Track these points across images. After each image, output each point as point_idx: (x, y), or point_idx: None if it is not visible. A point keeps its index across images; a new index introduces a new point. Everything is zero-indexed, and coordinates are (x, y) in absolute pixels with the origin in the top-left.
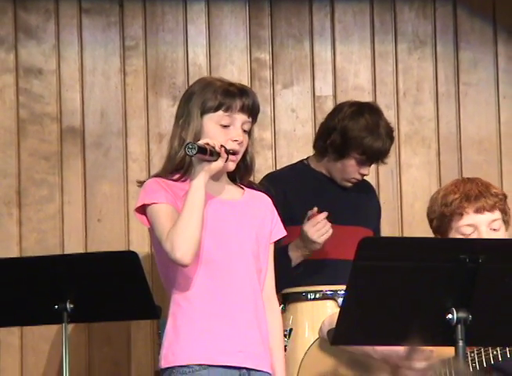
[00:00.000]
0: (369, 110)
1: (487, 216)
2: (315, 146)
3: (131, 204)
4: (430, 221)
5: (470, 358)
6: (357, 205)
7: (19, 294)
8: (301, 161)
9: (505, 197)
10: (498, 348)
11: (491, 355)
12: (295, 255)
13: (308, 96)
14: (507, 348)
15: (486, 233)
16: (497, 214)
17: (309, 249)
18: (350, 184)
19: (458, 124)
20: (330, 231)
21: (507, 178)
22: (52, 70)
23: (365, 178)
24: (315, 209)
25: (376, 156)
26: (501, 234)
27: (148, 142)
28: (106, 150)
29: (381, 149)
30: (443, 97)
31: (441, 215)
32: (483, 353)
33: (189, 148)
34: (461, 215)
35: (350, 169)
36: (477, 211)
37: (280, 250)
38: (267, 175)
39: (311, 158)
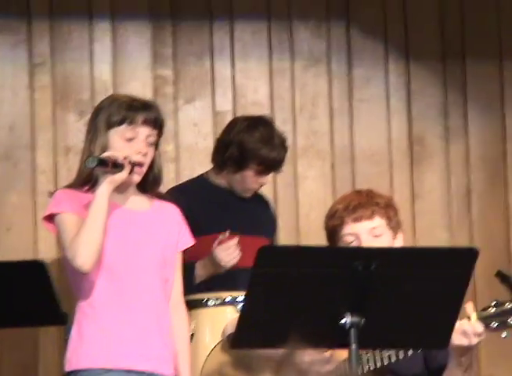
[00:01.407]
0: (262, 123)
1: (365, 224)
2: (213, 161)
3: (39, 215)
4: (326, 233)
5: (366, 358)
6: (256, 216)
7: None
8: (201, 175)
9: (388, 204)
10: (391, 350)
11: (386, 355)
12: (200, 274)
13: (209, 111)
14: (399, 350)
15: (367, 241)
16: (377, 221)
17: (216, 271)
18: (249, 194)
19: (351, 139)
20: (239, 256)
21: (398, 190)
22: None
23: (262, 189)
24: (227, 233)
25: (273, 165)
26: (384, 240)
27: (55, 154)
28: (14, 162)
29: (276, 158)
30: (337, 112)
31: (329, 226)
32: (378, 354)
33: (88, 161)
34: (341, 225)
35: (249, 180)
36: (355, 220)
37: (187, 266)
38: (170, 189)
39: (209, 172)
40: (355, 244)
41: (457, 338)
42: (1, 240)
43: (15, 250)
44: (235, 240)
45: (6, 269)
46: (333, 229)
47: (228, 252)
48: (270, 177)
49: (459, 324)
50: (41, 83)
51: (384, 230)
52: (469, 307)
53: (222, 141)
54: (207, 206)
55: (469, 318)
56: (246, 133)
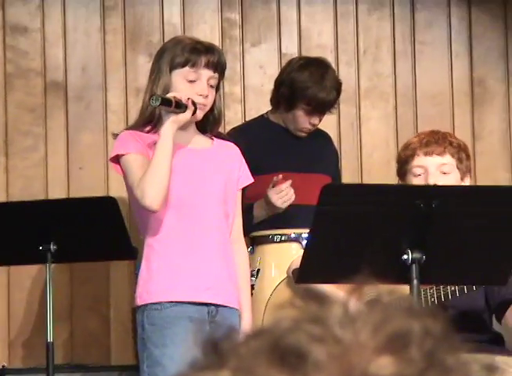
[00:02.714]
0: (315, 64)
1: (436, 159)
2: (271, 100)
3: (110, 154)
4: (397, 165)
5: (429, 294)
6: (314, 153)
7: (7, 236)
8: (261, 115)
9: (461, 147)
10: (453, 286)
11: (449, 290)
12: (259, 214)
13: (275, 54)
14: (461, 286)
15: (434, 175)
16: (447, 158)
17: (272, 211)
18: (304, 134)
19: (414, 80)
20: (293, 198)
21: (459, 131)
22: (36, 29)
23: (327, 129)
24: (280, 176)
25: (322, 106)
26: (452, 178)
27: (126, 95)
28: (87, 102)
29: (325, 99)
30: (400, 55)
31: (401, 158)
32: (441, 290)
33: (152, 99)
34: (413, 156)
35: (300, 119)
36: (427, 153)
37: (246, 207)
38: (230, 130)
39: (270, 111)
40: (422, 176)
41: None
42: (74, 179)
43: (87, 188)
44: (288, 183)
45: (79, 205)
46: (404, 160)
47: (281, 195)
48: (334, 119)
49: None
50: (112, 26)
51: (453, 169)
52: None
53: (277, 80)
54: (265, 145)
55: None
56: (298, 72)
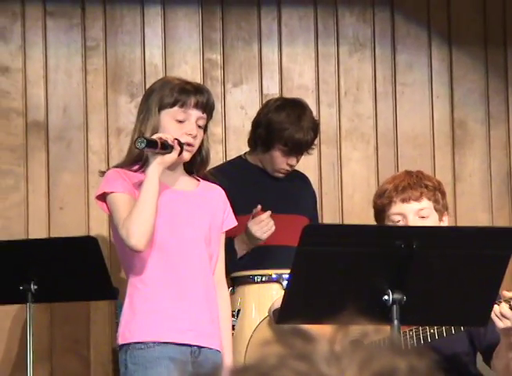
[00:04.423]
0: (292, 105)
1: (413, 205)
2: (248, 141)
3: (91, 193)
4: (374, 212)
5: (408, 336)
6: (292, 195)
7: None
8: (239, 156)
9: (436, 187)
10: (435, 327)
11: (428, 333)
12: (240, 248)
13: (256, 94)
14: (443, 327)
15: (413, 221)
16: (425, 203)
17: (253, 244)
18: (281, 175)
19: (395, 122)
20: (273, 228)
21: (440, 172)
22: (18, 69)
23: (307, 170)
24: (259, 207)
25: (299, 147)
26: (431, 221)
27: (107, 135)
28: (68, 142)
29: (302, 140)
30: (381, 96)
31: (377, 205)
32: (421, 332)
33: (138, 142)
34: (390, 204)
35: (277, 160)
36: (404, 200)
37: (227, 242)
38: (208, 171)
39: (247, 153)
40: (401, 223)
41: (497, 321)
42: (54, 219)
43: (67, 228)
44: (267, 214)
45: (60, 244)
46: (381, 208)
47: (261, 225)
48: (315, 160)
49: (499, 307)
50: (94, 66)
51: (431, 212)
52: (505, 292)
53: (254, 121)
54: (244, 186)
55: (506, 301)
56: (275, 113)
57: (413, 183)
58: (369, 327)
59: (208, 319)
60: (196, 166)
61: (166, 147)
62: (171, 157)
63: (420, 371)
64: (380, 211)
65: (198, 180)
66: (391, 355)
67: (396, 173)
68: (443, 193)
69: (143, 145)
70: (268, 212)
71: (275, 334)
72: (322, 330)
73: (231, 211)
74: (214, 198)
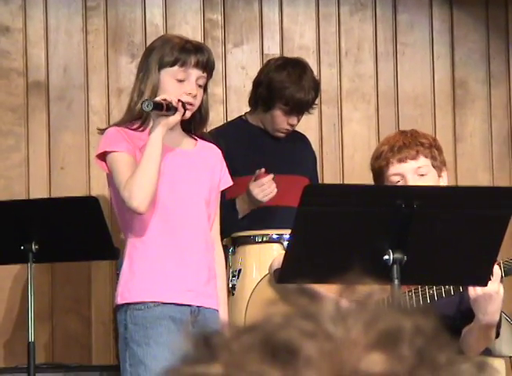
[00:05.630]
0: (293, 64)
1: (411, 164)
2: (249, 101)
3: (92, 153)
4: (372, 174)
5: (407, 297)
6: (292, 156)
7: None
8: (239, 117)
9: (432, 144)
10: (434, 288)
11: (427, 294)
12: (242, 208)
13: (257, 55)
14: (442, 288)
15: (412, 180)
16: (422, 160)
17: (254, 205)
18: (282, 135)
19: (395, 82)
20: (275, 191)
21: (440, 133)
22: (18, 29)
23: (307, 131)
24: (263, 170)
25: (300, 106)
26: (430, 178)
27: (108, 95)
28: (68, 102)
29: (303, 99)
30: (382, 56)
31: (375, 168)
32: (420, 293)
33: (145, 105)
34: (387, 165)
35: (278, 120)
36: (401, 160)
37: (228, 203)
38: (208, 132)
39: (248, 113)
40: (401, 183)
41: (470, 290)
42: (55, 179)
43: (68, 188)
44: (269, 177)
45: (61, 205)
46: (379, 170)
47: (263, 188)
48: (316, 120)
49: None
50: (94, 26)
51: (429, 169)
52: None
53: (255, 81)
54: (243, 148)
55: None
56: (276, 73)
57: (409, 142)
58: (373, 286)
59: (207, 279)
60: (195, 124)
61: (170, 109)
62: (175, 118)
63: (426, 330)
64: (379, 173)
65: (195, 139)
66: (396, 314)
67: (390, 134)
68: (439, 149)
69: (150, 107)
70: (271, 175)
71: (281, 293)
72: (324, 289)
73: (227, 170)
74: (212, 158)
